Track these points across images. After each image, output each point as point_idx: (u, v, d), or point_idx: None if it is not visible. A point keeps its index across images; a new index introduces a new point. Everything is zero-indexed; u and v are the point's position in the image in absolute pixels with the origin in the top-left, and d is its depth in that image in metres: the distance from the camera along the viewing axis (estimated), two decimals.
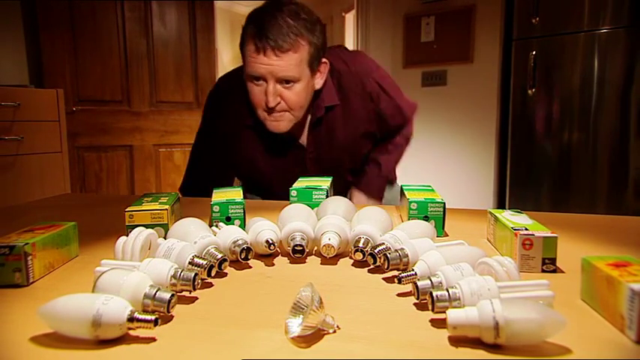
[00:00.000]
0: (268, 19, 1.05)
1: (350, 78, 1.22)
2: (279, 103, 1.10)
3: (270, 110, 1.11)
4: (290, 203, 0.75)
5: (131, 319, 0.39)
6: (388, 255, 0.54)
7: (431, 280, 0.46)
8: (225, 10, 5.29)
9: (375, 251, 0.56)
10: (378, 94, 1.24)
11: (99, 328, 0.38)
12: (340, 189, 1.27)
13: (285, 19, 1.05)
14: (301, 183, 0.88)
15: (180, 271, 0.48)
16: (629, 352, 0.38)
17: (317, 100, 1.20)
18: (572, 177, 2.50)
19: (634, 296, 0.38)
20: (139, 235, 0.56)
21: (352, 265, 0.61)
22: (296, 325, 0.40)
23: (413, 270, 0.50)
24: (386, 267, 0.54)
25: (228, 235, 0.61)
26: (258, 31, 1.05)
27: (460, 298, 0.42)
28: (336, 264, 0.62)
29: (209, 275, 0.53)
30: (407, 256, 0.54)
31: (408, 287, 0.50)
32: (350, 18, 4.35)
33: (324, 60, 1.16)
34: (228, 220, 0.75)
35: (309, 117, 1.23)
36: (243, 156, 1.26)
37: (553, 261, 0.57)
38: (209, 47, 3.17)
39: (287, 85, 1.09)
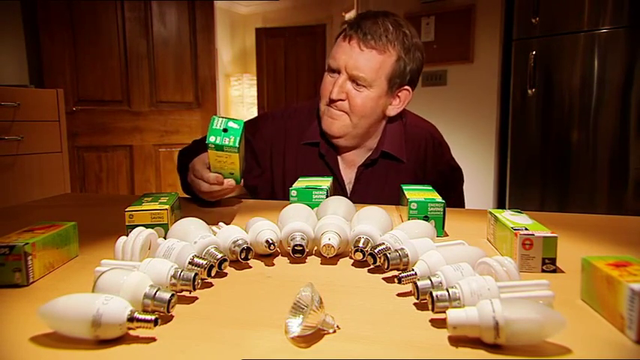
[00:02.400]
0: (369, 17, 1.06)
1: (419, 134, 1.17)
2: (342, 100, 1.06)
3: (330, 102, 1.07)
4: (290, 203, 0.75)
5: (131, 319, 0.39)
6: (388, 255, 0.54)
7: (431, 280, 0.46)
8: (225, 10, 5.29)
9: (375, 251, 0.56)
10: (454, 184, 1.22)
11: (99, 328, 0.38)
12: None
13: (385, 23, 1.05)
14: (301, 183, 0.88)
15: (180, 271, 0.48)
16: (629, 352, 0.38)
17: (378, 144, 1.15)
18: (572, 177, 2.50)
19: (634, 296, 0.38)
20: (139, 235, 0.56)
21: (352, 265, 0.61)
22: (296, 325, 0.40)
23: (413, 270, 0.50)
24: (386, 267, 0.54)
25: (228, 235, 0.61)
26: (354, 23, 1.06)
27: (460, 298, 0.42)
28: (336, 264, 0.62)
29: (209, 275, 0.53)
30: (407, 256, 0.54)
31: (408, 287, 0.50)
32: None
33: (407, 87, 1.10)
34: (225, 132, 0.74)
35: (362, 158, 1.16)
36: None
37: (553, 261, 0.57)
38: (209, 47, 3.17)
39: (357, 87, 1.05)
